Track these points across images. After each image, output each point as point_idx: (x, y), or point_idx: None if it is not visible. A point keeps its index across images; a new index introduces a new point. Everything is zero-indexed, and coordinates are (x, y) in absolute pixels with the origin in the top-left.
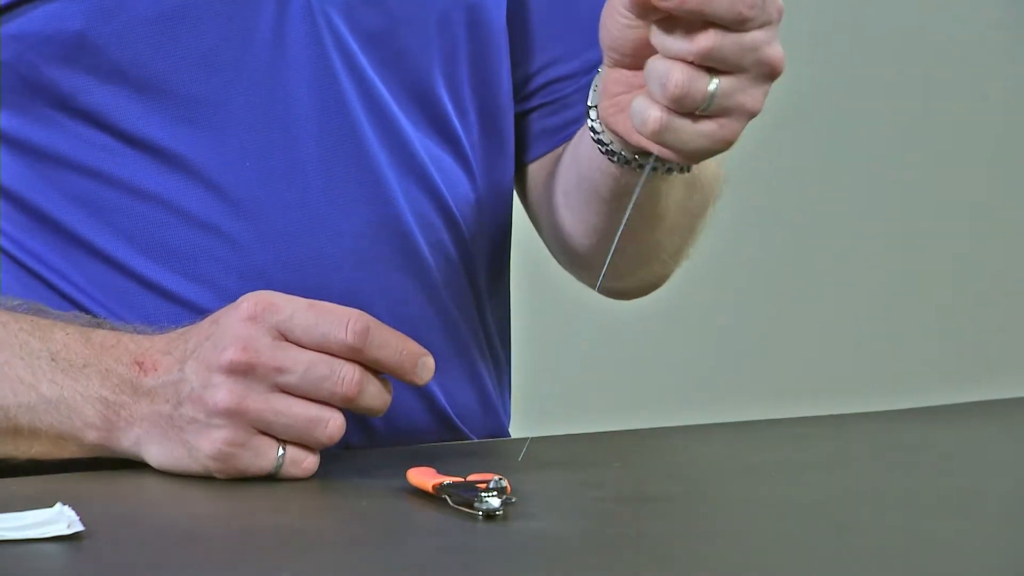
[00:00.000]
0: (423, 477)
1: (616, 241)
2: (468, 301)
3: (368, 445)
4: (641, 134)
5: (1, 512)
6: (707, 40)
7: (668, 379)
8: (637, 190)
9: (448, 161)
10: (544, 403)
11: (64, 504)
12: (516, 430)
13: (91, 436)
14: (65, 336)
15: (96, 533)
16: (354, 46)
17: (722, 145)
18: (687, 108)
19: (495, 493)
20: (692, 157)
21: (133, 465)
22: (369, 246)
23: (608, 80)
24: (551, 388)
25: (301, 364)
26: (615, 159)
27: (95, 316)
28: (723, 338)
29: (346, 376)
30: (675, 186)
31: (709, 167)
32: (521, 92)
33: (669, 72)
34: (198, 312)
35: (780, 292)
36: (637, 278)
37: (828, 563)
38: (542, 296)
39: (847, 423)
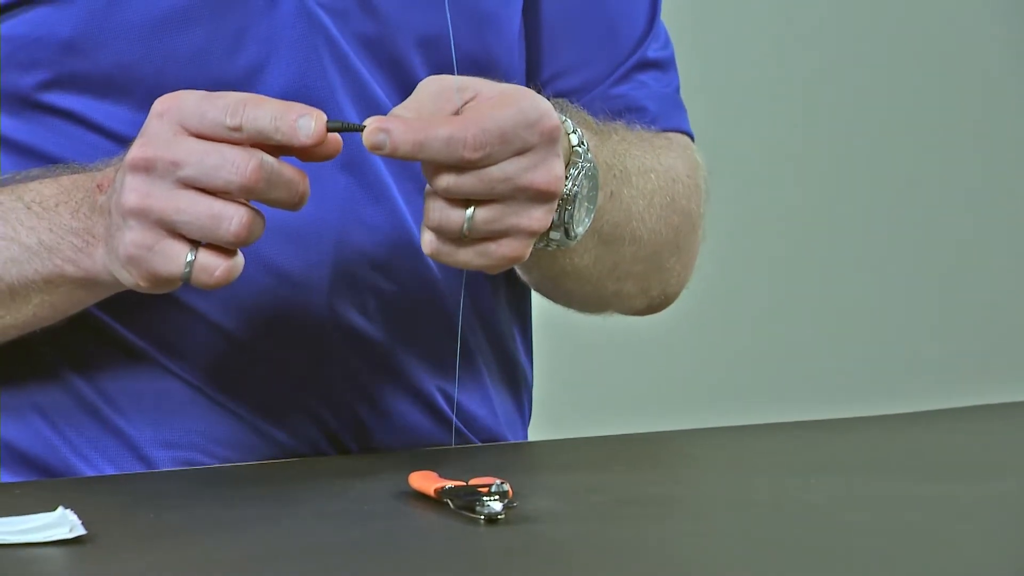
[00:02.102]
0: (425, 481)
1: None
2: (472, 306)
3: (368, 450)
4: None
5: (4, 516)
6: (441, 181)
7: (670, 383)
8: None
9: None
10: (546, 407)
11: (66, 508)
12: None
13: (70, 270)
14: (38, 185)
15: (98, 537)
16: (348, 50)
17: (507, 262)
18: (449, 236)
19: (497, 497)
20: (488, 271)
21: (136, 468)
22: (367, 249)
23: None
24: (553, 392)
25: (195, 154)
26: None
27: (94, 317)
28: (725, 342)
29: (239, 162)
30: (579, 250)
31: (651, 215)
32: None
33: (426, 205)
34: (194, 315)
35: (781, 298)
36: (616, 311)
37: (831, 566)
38: (548, 301)
39: (849, 427)
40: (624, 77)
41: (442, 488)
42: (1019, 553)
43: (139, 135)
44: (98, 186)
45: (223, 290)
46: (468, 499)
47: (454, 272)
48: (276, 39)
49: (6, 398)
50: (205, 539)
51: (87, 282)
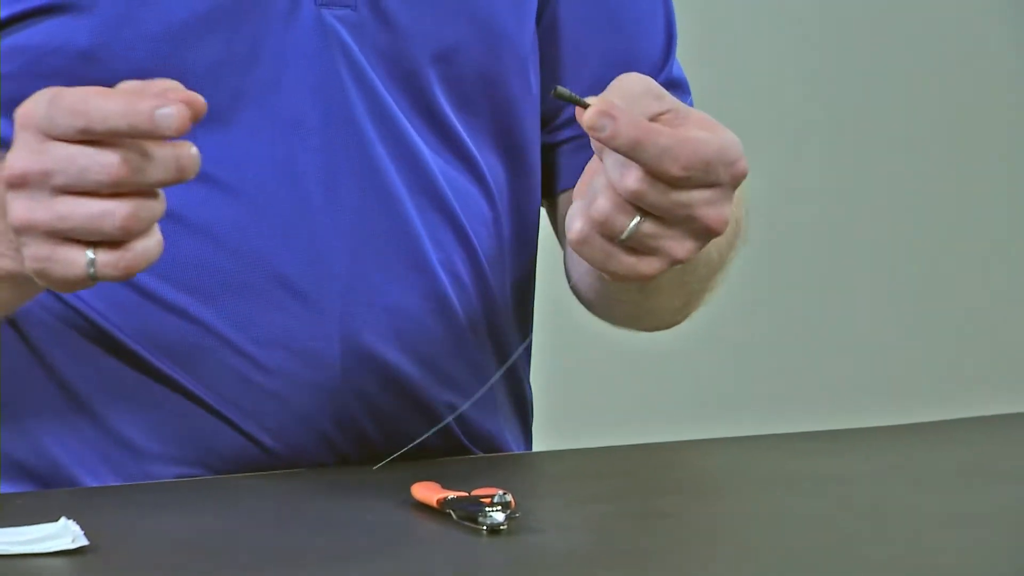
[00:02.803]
0: (428, 492)
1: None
2: (483, 322)
3: (371, 461)
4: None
5: (6, 526)
6: (633, 183)
7: (672, 394)
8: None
9: (462, 179)
10: (549, 417)
11: (69, 518)
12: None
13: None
14: None
15: (101, 547)
16: (365, 63)
17: (637, 279)
18: (606, 234)
19: (499, 508)
20: (609, 275)
21: (139, 479)
22: (379, 263)
23: (588, 168)
24: (555, 402)
25: (61, 161)
26: None
27: (98, 327)
28: (729, 354)
29: (104, 160)
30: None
31: (724, 239)
32: (551, 123)
33: (597, 196)
34: (196, 323)
35: (785, 309)
36: (650, 326)
37: None
38: (551, 309)
39: (852, 438)
40: None
41: (445, 499)
42: (1021, 568)
43: (11, 148)
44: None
45: (232, 304)
46: (471, 510)
47: (463, 287)
48: (293, 52)
49: (7, 408)
50: (208, 550)
51: (14, 281)
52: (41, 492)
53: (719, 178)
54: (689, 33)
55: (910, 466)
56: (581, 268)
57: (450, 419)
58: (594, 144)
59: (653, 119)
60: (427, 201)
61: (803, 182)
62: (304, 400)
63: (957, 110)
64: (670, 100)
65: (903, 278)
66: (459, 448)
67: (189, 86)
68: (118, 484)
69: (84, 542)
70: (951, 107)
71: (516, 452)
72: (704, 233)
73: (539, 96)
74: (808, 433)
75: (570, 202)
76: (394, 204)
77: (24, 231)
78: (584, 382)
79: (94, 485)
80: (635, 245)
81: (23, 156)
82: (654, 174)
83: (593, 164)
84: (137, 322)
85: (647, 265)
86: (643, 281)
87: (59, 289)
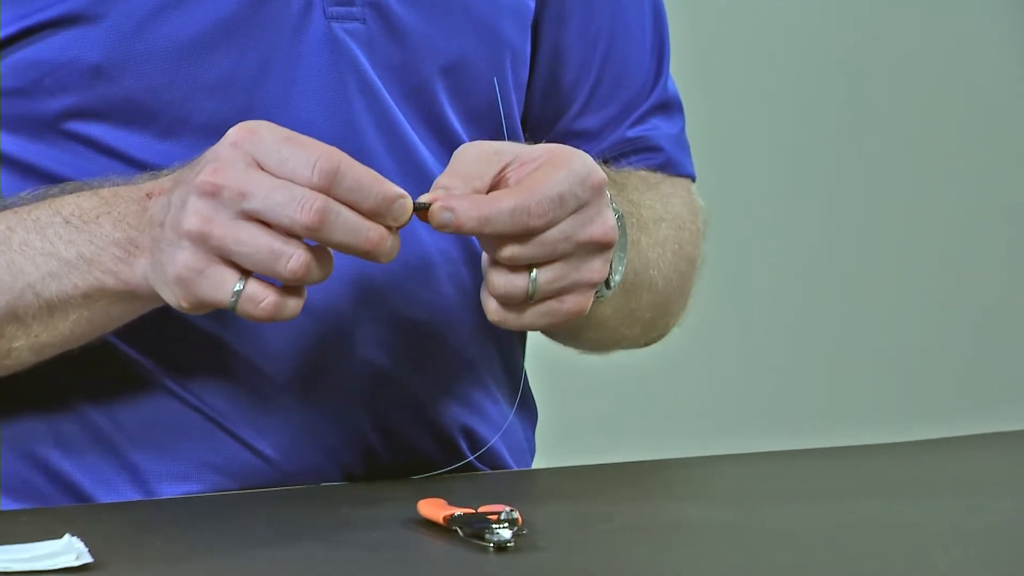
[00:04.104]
0: (434, 509)
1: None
2: (490, 335)
3: (376, 476)
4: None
5: (10, 543)
6: (506, 252)
7: (679, 410)
8: None
9: None
10: (555, 434)
11: (73, 535)
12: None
13: (110, 283)
14: (76, 199)
15: (105, 565)
16: (374, 77)
17: (571, 317)
18: (517, 302)
19: (506, 525)
20: (554, 328)
21: (143, 495)
22: (384, 277)
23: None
24: (562, 418)
25: (264, 188)
26: None
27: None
28: (732, 370)
29: (306, 202)
30: (606, 300)
31: (664, 263)
32: (544, 137)
33: (488, 276)
34: (202, 335)
35: (791, 325)
36: (617, 351)
37: None
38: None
39: (857, 454)
40: (640, 120)
41: (451, 515)
42: None
43: (209, 159)
44: (147, 195)
45: (240, 318)
46: (477, 527)
47: (468, 298)
48: (303, 66)
49: (12, 426)
50: (212, 567)
51: (126, 295)
52: (45, 509)
53: (581, 199)
54: (690, 34)
55: (914, 482)
56: None
57: (476, 453)
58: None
59: (496, 179)
60: None
61: (807, 193)
62: (312, 415)
63: (969, 122)
64: (509, 150)
65: (904, 296)
66: (466, 465)
67: (198, 101)
68: (122, 501)
69: (88, 559)
70: (963, 119)
71: (522, 468)
72: (599, 248)
73: (523, 96)
74: (813, 450)
75: None
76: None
77: (194, 238)
78: (588, 398)
79: (97, 499)
80: (549, 295)
81: (225, 169)
82: (517, 235)
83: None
84: (139, 331)
85: (570, 303)
86: (579, 316)
87: (185, 305)
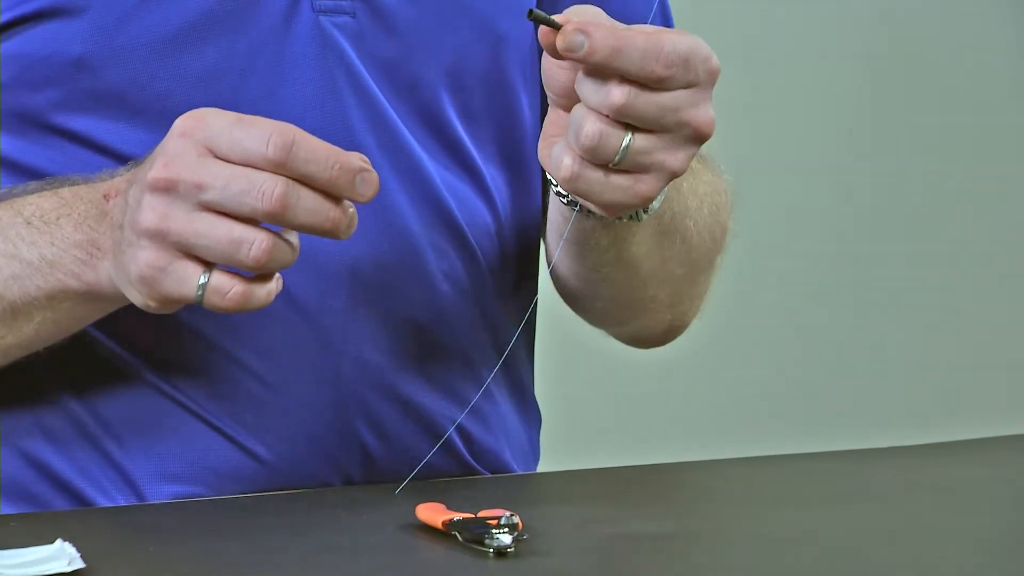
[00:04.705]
0: (433, 513)
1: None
2: (487, 334)
3: (373, 480)
4: (555, 180)
5: (1, 549)
6: (619, 96)
7: (684, 413)
8: (566, 231)
9: (465, 190)
10: (556, 437)
11: (64, 541)
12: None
13: (74, 284)
14: (37, 199)
15: (97, 570)
16: (364, 72)
17: (638, 201)
18: (599, 160)
19: (506, 530)
20: (608, 209)
21: (134, 500)
22: (378, 274)
23: (548, 121)
24: (564, 422)
25: (221, 179)
26: (563, 199)
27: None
28: (738, 373)
29: (266, 189)
30: (641, 234)
31: (701, 217)
32: None
33: (583, 122)
34: (195, 335)
35: (799, 329)
36: (640, 326)
37: None
38: (557, 328)
39: (866, 458)
40: None
41: (450, 520)
42: None
43: (159, 154)
44: (104, 196)
45: (232, 316)
46: (477, 532)
47: (465, 296)
48: (290, 60)
49: (3, 428)
50: (206, 573)
51: (90, 296)
52: (36, 514)
53: (698, 76)
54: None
55: (931, 487)
56: (561, 251)
57: (452, 429)
58: (554, 91)
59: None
60: (428, 211)
61: (813, 199)
62: (305, 414)
63: (973, 127)
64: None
65: (925, 296)
66: (464, 466)
67: (182, 94)
68: (114, 505)
69: (80, 565)
70: (968, 123)
71: (522, 472)
72: (695, 138)
73: (538, 96)
74: (820, 453)
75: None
76: (394, 214)
77: (152, 235)
78: (591, 403)
79: (87, 496)
80: (628, 167)
81: (177, 163)
82: (638, 80)
83: (552, 117)
84: (129, 332)
85: (645, 185)
86: (643, 204)
87: (152, 304)
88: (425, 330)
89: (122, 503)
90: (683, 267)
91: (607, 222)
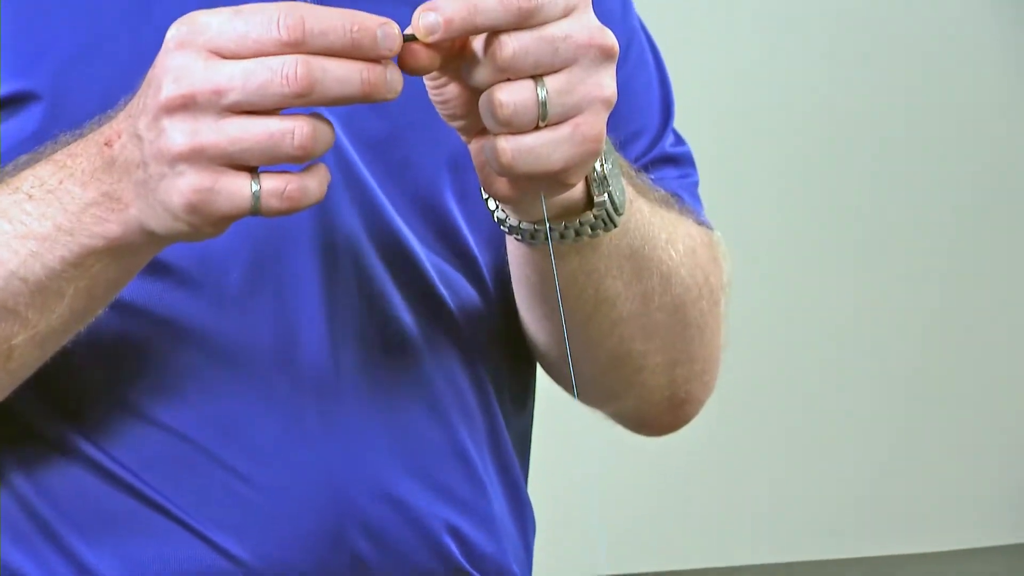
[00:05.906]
0: None
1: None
2: (483, 430)
3: None
4: (503, 175)
5: None
6: (505, 48)
7: (681, 520)
8: (552, 257)
9: (458, 278)
10: (551, 543)
11: None
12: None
13: (100, 244)
14: (31, 171)
15: None
16: (354, 155)
17: (590, 145)
18: (527, 124)
19: None
20: (568, 173)
21: None
22: (368, 364)
23: (473, 154)
24: (558, 529)
25: (238, 77)
26: (519, 236)
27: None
28: (741, 474)
29: (288, 71)
30: (616, 260)
31: (676, 252)
32: None
33: (491, 101)
34: (170, 431)
35: (793, 425)
36: (636, 396)
37: None
38: (552, 424)
39: (880, 565)
40: (647, 169)
41: None
42: None
43: (161, 73)
44: (106, 143)
45: (213, 411)
46: None
47: (458, 389)
48: None
49: None
50: None
51: (120, 251)
52: None
53: (569, 1)
54: (691, 39)
55: None
56: (525, 301)
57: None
58: (452, 113)
59: None
60: (419, 299)
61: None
62: (292, 517)
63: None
64: None
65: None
66: (460, 572)
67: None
68: None
69: None
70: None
71: None
72: (602, 56)
73: None
74: (820, 562)
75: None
76: (383, 304)
77: (187, 158)
78: (585, 499)
79: None
80: (559, 116)
81: (186, 75)
82: (510, 27)
83: (473, 148)
84: (96, 425)
85: (586, 124)
86: (596, 147)
87: (209, 229)
88: (417, 426)
89: None
90: (666, 313)
91: (579, 244)
